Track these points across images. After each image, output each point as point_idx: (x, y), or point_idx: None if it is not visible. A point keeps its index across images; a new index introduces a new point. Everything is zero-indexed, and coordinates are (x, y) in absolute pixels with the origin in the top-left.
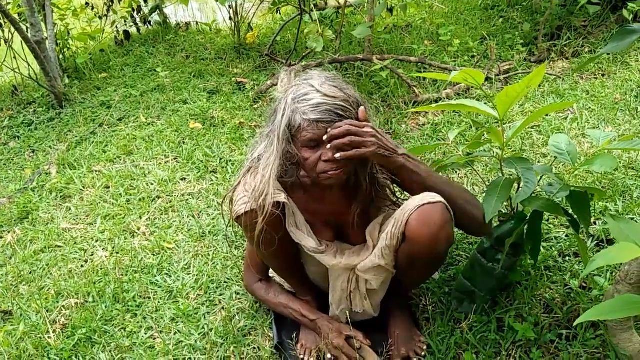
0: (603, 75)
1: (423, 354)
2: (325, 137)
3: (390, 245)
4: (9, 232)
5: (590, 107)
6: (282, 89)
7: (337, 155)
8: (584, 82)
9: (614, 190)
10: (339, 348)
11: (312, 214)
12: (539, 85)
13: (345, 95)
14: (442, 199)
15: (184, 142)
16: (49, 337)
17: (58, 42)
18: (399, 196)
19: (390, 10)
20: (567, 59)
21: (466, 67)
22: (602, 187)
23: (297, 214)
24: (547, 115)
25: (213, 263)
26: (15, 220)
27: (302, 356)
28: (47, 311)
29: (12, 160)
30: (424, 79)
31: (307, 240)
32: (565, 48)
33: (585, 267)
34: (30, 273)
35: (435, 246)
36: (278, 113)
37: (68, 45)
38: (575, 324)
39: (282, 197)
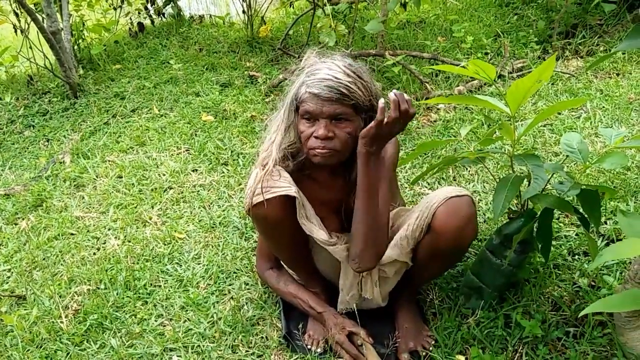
0: (618, 75)
1: (430, 348)
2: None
3: (411, 237)
4: (23, 219)
5: (603, 107)
6: (303, 65)
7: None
8: (598, 81)
9: (626, 190)
10: (339, 343)
11: (319, 203)
12: (552, 84)
13: (356, 79)
14: (468, 193)
15: (196, 134)
16: (61, 322)
17: (73, 32)
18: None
19: (404, 5)
20: (581, 57)
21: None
22: (614, 186)
23: (307, 206)
24: (560, 114)
25: (223, 253)
26: (29, 208)
27: (309, 346)
28: (60, 297)
29: (27, 148)
30: (436, 75)
31: (318, 232)
32: (580, 47)
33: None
34: (44, 259)
35: (461, 238)
36: (292, 84)
37: (83, 36)
38: (581, 314)
39: (292, 191)
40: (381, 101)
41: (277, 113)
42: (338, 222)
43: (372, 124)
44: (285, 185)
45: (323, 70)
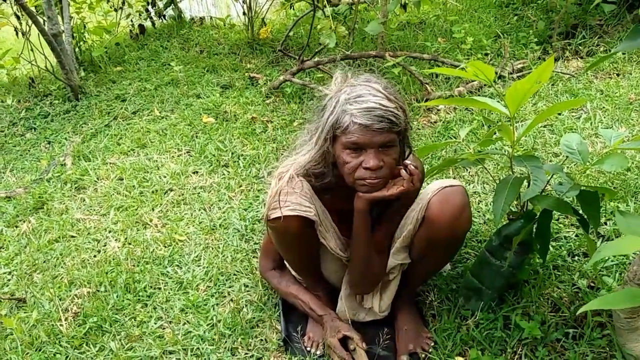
0: (618, 75)
1: (429, 349)
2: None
3: (407, 231)
4: (24, 222)
5: (603, 107)
6: (335, 87)
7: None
8: (598, 82)
9: (625, 190)
10: (330, 346)
11: (336, 212)
12: (553, 85)
13: (397, 103)
14: (461, 183)
15: (196, 136)
16: (61, 325)
17: (74, 35)
18: None
19: (404, 6)
20: (581, 58)
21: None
22: (614, 187)
23: (325, 216)
24: (560, 114)
25: (223, 256)
26: (30, 210)
27: (308, 348)
28: (60, 299)
29: (29, 151)
30: (437, 76)
31: (335, 242)
32: (580, 47)
33: (594, 266)
34: (44, 262)
35: (456, 227)
36: (327, 110)
37: (84, 39)
38: (579, 312)
39: (312, 215)
40: (404, 173)
41: (307, 135)
42: (346, 228)
43: (394, 192)
44: (306, 205)
45: (367, 97)
